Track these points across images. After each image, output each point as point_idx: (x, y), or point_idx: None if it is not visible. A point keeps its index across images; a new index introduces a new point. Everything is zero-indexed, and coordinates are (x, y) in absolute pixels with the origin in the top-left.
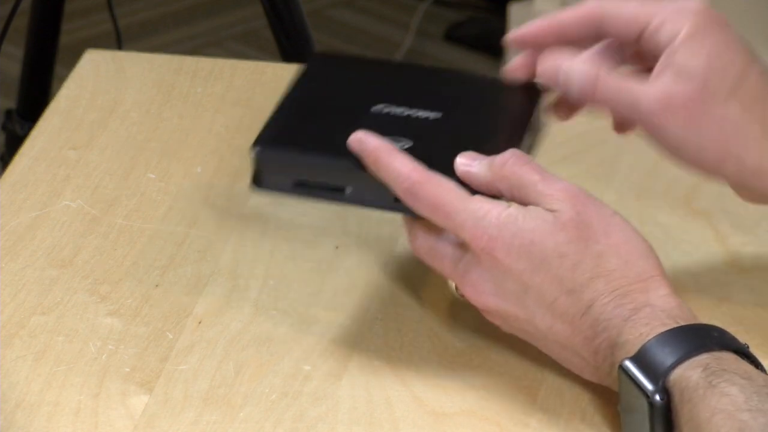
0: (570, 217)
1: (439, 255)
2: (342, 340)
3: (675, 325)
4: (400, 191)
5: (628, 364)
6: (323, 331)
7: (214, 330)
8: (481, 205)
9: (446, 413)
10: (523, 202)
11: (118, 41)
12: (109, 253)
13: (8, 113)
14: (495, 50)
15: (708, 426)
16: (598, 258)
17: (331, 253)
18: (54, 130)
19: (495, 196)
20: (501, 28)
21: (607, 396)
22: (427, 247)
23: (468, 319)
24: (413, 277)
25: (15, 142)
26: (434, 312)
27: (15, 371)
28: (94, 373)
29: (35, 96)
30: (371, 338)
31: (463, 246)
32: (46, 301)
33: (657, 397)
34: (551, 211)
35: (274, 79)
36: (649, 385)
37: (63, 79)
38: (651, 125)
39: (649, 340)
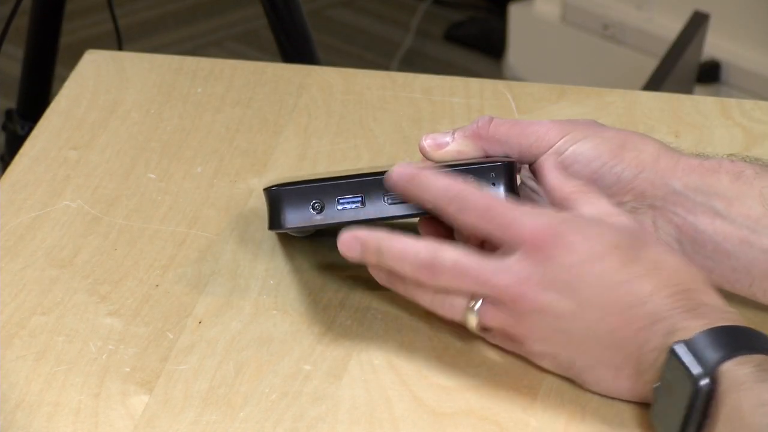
0: (627, 224)
1: (474, 265)
2: (342, 340)
3: (733, 324)
4: (445, 203)
5: (680, 347)
6: (323, 331)
7: (214, 330)
8: (532, 205)
9: (446, 413)
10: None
11: (118, 41)
12: (109, 253)
13: (8, 113)
14: (495, 50)
15: (752, 416)
16: (655, 256)
17: (331, 253)
18: (54, 130)
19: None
20: (501, 28)
21: (607, 397)
22: (452, 262)
23: None
24: None
25: (15, 142)
26: (434, 312)
27: (15, 371)
28: (94, 373)
29: (35, 96)
30: (371, 338)
31: (502, 250)
32: (46, 301)
33: (703, 382)
34: (608, 216)
35: (274, 79)
36: (697, 369)
37: (63, 79)
38: None
39: (705, 330)
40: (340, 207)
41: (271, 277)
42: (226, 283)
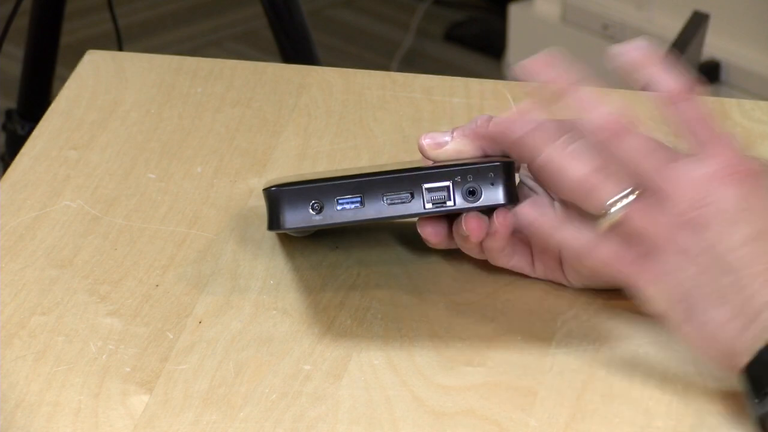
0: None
1: (661, 152)
2: (342, 340)
3: None
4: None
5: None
6: (323, 331)
7: (214, 330)
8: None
9: (446, 413)
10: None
11: (118, 41)
12: (109, 253)
13: (8, 113)
14: (495, 50)
15: None
16: None
17: (331, 253)
18: (54, 130)
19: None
20: (501, 28)
21: (607, 397)
22: (638, 145)
23: (468, 319)
24: (413, 277)
25: (15, 142)
26: (434, 312)
27: (15, 371)
28: (94, 373)
29: (36, 96)
30: (371, 338)
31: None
32: (46, 301)
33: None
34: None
35: (274, 79)
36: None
37: (63, 79)
38: None
39: None
40: (339, 207)
41: (271, 277)
42: (226, 283)
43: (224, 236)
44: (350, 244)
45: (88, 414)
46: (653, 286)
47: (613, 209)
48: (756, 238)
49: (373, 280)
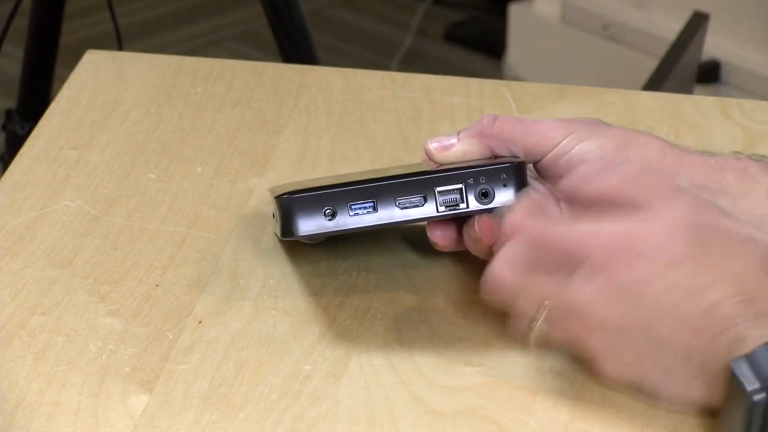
0: (694, 223)
1: (544, 278)
2: (342, 340)
3: None
4: (504, 237)
5: (737, 362)
6: (323, 331)
7: (214, 330)
8: (589, 223)
9: (446, 413)
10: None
11: (118, 41)
12: (109, 253)
13: (8, 113)
14: (495, 50)
15: None
16: (722, 262)
17: (331, 253)
18: (54, 130)
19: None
20: (501, 28)
21: (607, 397)
22: (519, 273)
23: (468, 319)
24: (413, 277)
25: (15, 142)
26: (434, 312)
27: (15, 371)
28: (94, 373)
29: (35, 96)
30: (371, 338)
31: (566, 270)
32: (46, 301)
33: (757, 397)
34: (674, 219)
35: (274, 79)
36: (752, 384)
37: (63, 79)
38: None
39: (764, 344)
40: (352, 213)
41: (271, 277)
42: (226, 283)
43: (224, 236)
44: (350, 244)
45: (88, 414)
46: (606, 365)
47: (536, 330)
48: (653, 318)
49: (373, 280)
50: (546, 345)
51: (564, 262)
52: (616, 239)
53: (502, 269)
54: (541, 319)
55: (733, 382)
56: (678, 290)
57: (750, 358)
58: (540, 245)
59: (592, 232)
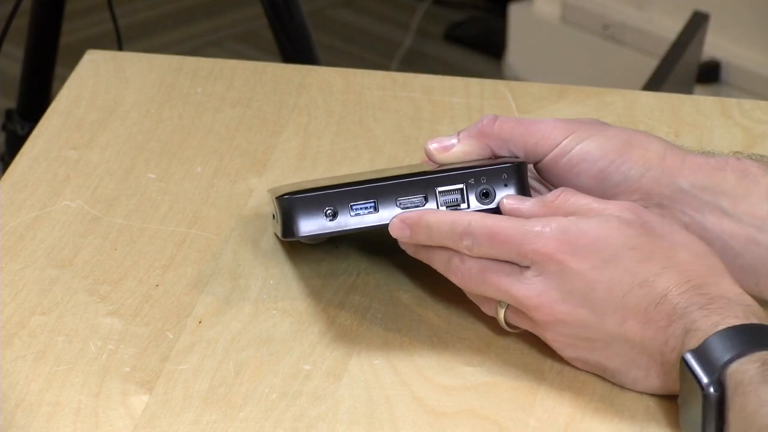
0: (634, 219)
1: (495, 277)
2: (342, 340)
3: (745, 321)
4: (456, 240)
5: (688, 356)
6: (323, 331)
7: (214, 330)
8: (537, 221)
9: (446, 413)
10: None
11: (118, 41)
12: (109, 253)
13: (8, 113)
14: (495, 50)
15: (755, 417)
16: (668, 251)
17: (331, 253)
18: (54, 130)
19: None
20: (501, 28)
21: (607, 397)
22: (478, 269)
23: (468, 319)
24: (413, 277)
25: (15, 142)
26: (434, 312)
27: (15, 371)
28: (94, 373)
29: (35, 96)
30: (371, 338)
31: (521, 265)
32: (46, 301)
33: (711, 390)
34: (614, 216)
35: (274, 79)
36: (704, 378)
37: (63, 79)
38: None
39: (713, 334)
40: (353, 213)
41: (271, 277)
42: (226, 283)
43: (224, 236)
44: (350, 244)
45: (88, 414)
46: (565, 353)
47: (499, 319)
48: (601, 312)
49: (373, 280)
50: (515, 329)
51: (515, 257)
52: (561, 233)
53: (457, 263)
54: (503, 309)
55: (681, 379)
56: (624, 282)
57: (701, 351)
58: (491, 239)
59: (539, 227)
